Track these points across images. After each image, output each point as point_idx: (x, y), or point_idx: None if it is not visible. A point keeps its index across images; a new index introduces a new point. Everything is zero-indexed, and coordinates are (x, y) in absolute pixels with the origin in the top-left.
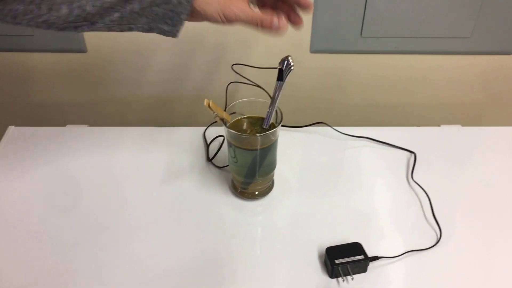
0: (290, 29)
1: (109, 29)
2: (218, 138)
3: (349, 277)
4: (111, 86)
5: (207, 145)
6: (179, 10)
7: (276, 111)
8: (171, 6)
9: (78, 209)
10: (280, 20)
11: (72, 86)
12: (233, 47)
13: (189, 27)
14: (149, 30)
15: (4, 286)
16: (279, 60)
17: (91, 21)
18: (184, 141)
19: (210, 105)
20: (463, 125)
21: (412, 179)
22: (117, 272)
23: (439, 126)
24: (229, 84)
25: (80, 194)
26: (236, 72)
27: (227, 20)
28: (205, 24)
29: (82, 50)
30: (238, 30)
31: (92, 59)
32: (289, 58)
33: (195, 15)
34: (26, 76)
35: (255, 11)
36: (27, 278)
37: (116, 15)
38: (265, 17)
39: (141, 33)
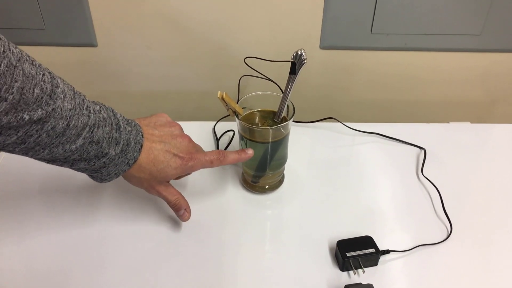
0: (300, 25)
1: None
2: (228, 132)
3: (360, 270)
4: (121, 80)
5: (217, 139)
6: (104, 178)
7: (288, 105)
8: (100, 175)
9: (82, 203)
10: (186, 213)
11: (82, 80)
12: (243, 43)
13: (199, 22)
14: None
15: None
16: (290, 55)
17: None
18: (194, 135)
19: (224, 97)
20: (472, 122)
21: (423, 174)
22: (120, 262)
23: (448, 123)
24: (241, 78)
25: (86, 187)
26: (248, 65)
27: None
28: (215, 19)
29: (92, 44)
30: (248, 26)
31: (102, 54)
32: (302, 51)
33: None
34: None
35: (172, 197)
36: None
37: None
38: (179, 204)
39: (152, 29)
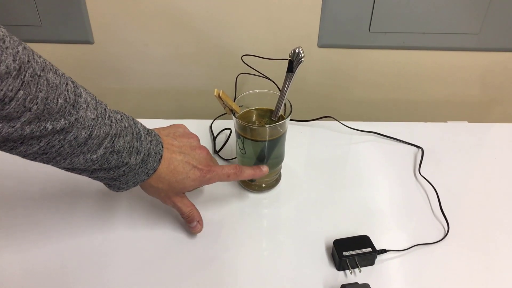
0: (298, 23)
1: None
2: (225, 130)
3: (356, 269)
4: (118, 78)
5: (214, 138)
6: (121, 187)
7: (285, 103)
8: (118, 183)
9: (83, 201)
10: (198, 226)
11: (78, 77)
12: (240, 40)
13: (196, 20)
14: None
15: None
16: (288, 53)
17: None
18: None
19: (221, 95)
20: (470, 121)
21: (420, 173)
22: (120, 263)
23: (445, 122)
24: (238, 76)
25: (83, 185)
26: (245, 63)
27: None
28: (212, 16)
29: (89, 41)
30: (246, 24)
31: (99, 51)
32: (300, 49)
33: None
34: None
35: (186, 209)
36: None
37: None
38: (192, 216)
39: (149, 26)
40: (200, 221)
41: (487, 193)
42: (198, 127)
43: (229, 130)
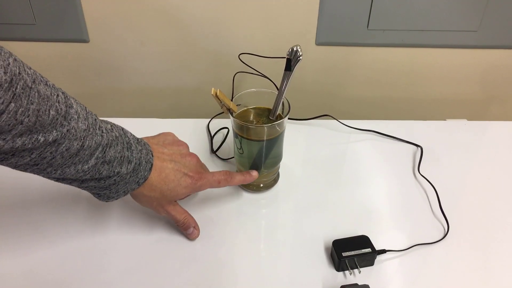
0: (296, 21)
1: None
2: (222, 130)
3: (356, 270)
4: (114, 76)
5: (211, 137)
6: (111, 196)
7: (283, 102)
8: (108, 192)
9: (80, 200)
10: (195, 231)
11: (74, 76)
12: (237, 39)
13: (193, 18)
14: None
15: None
16: (285, 51)
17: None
18: (187, 133)
19: (218, 94)
20: (469, 119)
21: (419, 172)
22: (117, 264)
23: (444, 120)
24: (235, 74)
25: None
26: (243, 62)
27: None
28: (209, 14)
29: (84, 40)
30: (243, 22)
31: (94, 49)
32: (298, 47)
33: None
34: None
35: (180, 217)
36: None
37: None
38: (188, 223)
39: (145, 24)
40: (196, 227)
41: (487, 192)
42: (195, 126)
43: (227, 130)
